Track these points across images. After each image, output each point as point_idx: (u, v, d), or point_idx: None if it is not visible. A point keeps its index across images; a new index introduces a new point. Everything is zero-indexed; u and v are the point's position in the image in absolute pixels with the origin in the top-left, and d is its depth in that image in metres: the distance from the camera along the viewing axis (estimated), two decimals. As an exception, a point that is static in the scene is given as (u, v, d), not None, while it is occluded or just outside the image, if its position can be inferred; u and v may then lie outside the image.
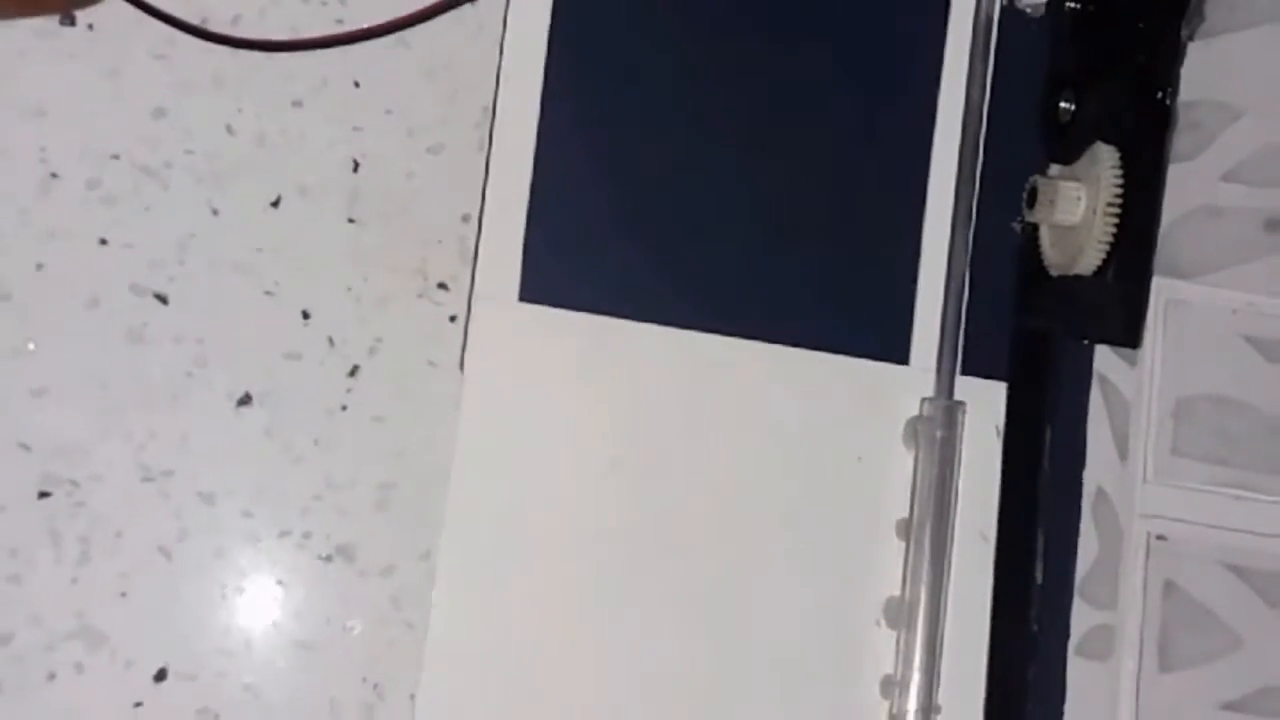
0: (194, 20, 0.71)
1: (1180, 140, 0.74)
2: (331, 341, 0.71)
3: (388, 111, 0.72)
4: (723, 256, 0.71)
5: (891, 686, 0.70)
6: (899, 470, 0.71)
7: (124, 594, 0.68)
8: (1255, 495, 0.73)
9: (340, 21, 0.72)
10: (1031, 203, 0.71)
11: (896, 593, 0.70)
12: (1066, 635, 0.72)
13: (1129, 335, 0.70)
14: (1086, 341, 0.73)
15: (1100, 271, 0.69)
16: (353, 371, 0.71)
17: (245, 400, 0.70)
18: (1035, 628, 0.71)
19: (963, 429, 0.71)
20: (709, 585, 0.70)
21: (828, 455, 0.71)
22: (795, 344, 0.71)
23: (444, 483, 0.69)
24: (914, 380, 0.72)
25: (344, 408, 0.71)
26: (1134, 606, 0.72)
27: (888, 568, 0.71)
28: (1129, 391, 0.74)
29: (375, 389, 0.71)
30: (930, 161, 0.73)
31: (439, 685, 0.67)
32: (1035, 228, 0.72)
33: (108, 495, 0.69)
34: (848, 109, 0.73)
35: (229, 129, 0.71)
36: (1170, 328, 0.74)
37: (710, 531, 0.70)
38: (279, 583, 0.70)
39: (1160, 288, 0.73)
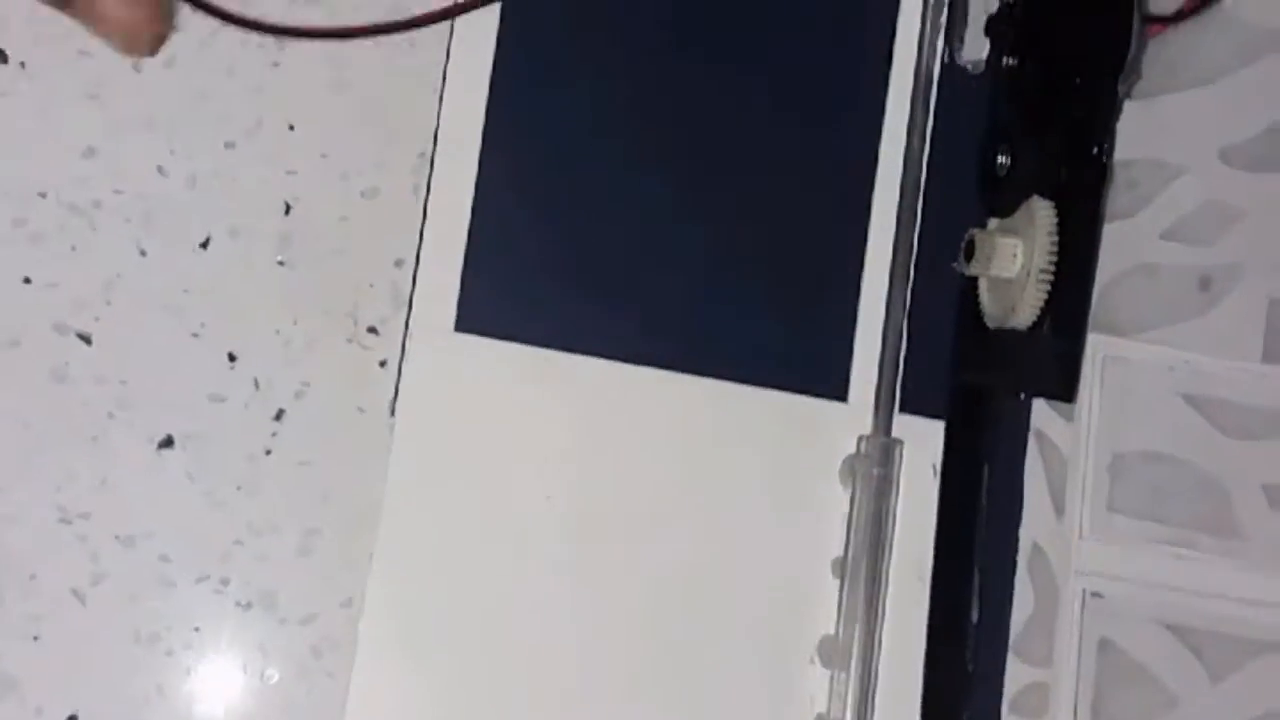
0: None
1: (1119, 198, 0.74)
2: (257, 384, 0.69)
3: (322, 155, 0.72)
4: (663, 291, 0.71)
5: (826, 726, 0.69)
6: (835, 507, 0.70)
7: (36, 637, 0.66)
8: (1192, 553, 0.73)
9: (277, 65, 0.72)
10: (969, 256, 0.71)
11: (831, 631, 0.69)
12: (1000, 689, 0.71)
13: (1064, 390, 0.70)
14: (1023, 395, 0.72)
15: (1036, 325, 0.68)
16: (278, 415, 0.70)
17: (167, 443, 0.69)
18: (970, 667, 0.70)
19: (900, 467, 0.71)
20: (644, 621, 0.69)
21: (764, 491, 0.70)
22: (733, 379, 0.71)
23: (369, 529, 0.68)
24: (852, 417, 0.71)
25: (268, 452, 0.69)
26: (1069, 664, 0.71)
27: (822, 605, 0.70)
28: (1065, 447, 0.73)
29: (301, 433, 0.70)
30: (871, 205, 0.73)
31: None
32: (974, 279, 0.72)
33: (23, 536, 0.67)
34: (791, 154, 0.73)
35: (160, 170, 0.70)
36: (1107, 385, 0.74)
37: (645, 567, 0.69)
38: (195, 629, 0.68)
39: (1098, 345, 0.73)
